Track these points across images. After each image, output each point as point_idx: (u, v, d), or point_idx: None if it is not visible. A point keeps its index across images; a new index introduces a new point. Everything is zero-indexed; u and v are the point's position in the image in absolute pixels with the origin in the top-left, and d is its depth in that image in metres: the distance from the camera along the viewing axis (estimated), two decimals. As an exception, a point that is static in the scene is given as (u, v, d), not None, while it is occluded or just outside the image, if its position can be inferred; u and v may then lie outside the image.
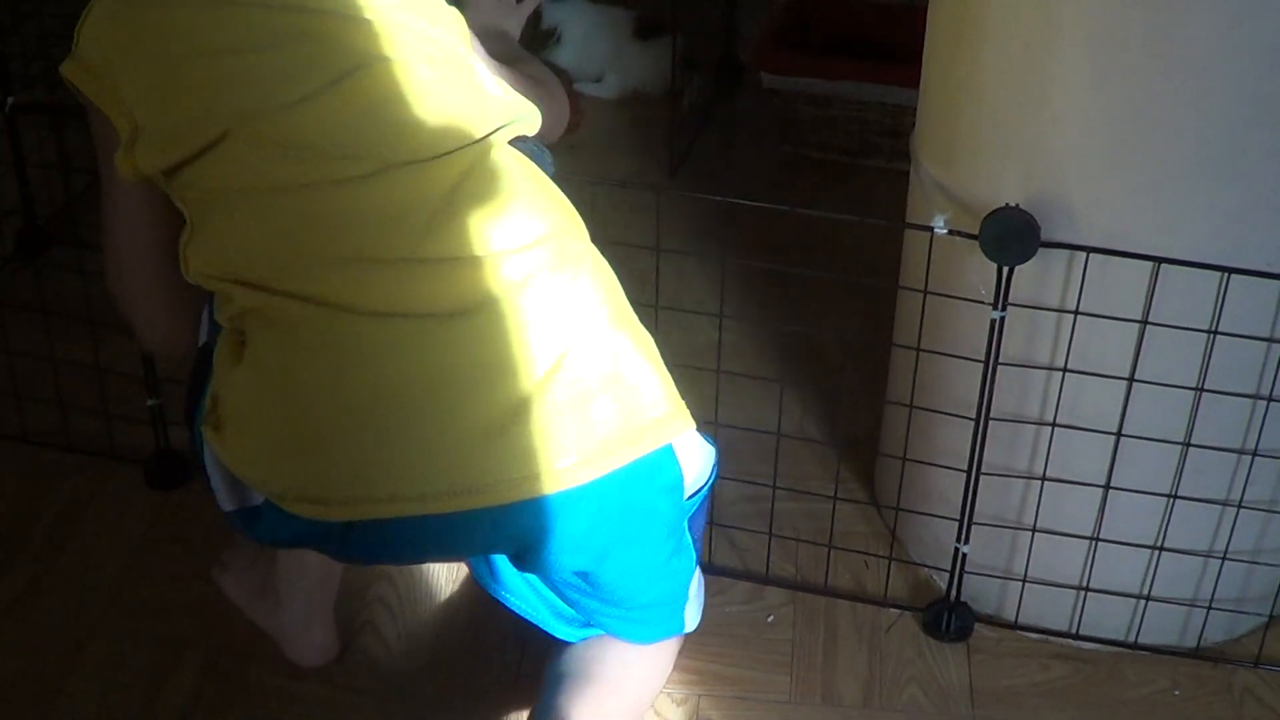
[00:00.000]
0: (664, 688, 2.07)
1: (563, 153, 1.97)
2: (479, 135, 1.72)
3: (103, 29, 1.70)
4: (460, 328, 1.65)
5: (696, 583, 1.98)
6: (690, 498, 1.84)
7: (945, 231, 1.91)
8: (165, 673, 2.10)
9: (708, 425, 2.17)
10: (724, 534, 2.33)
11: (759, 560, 2.28)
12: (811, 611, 2.24)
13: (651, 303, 2.11)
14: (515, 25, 2.21)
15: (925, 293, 1.98)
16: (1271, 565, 2.09)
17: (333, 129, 1.67)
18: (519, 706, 2.06)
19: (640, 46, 3.63)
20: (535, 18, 3.74)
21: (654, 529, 1.81)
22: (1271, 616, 2.18)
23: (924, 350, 2.05)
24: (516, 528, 1.69)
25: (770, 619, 2.22)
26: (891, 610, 2.23)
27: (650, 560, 1.85)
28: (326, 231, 1.66)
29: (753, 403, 2.43)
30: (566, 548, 1.73)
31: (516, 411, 1.64)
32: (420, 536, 1.70)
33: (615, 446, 1.69)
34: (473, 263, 1.66)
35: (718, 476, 1.91)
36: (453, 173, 1.69)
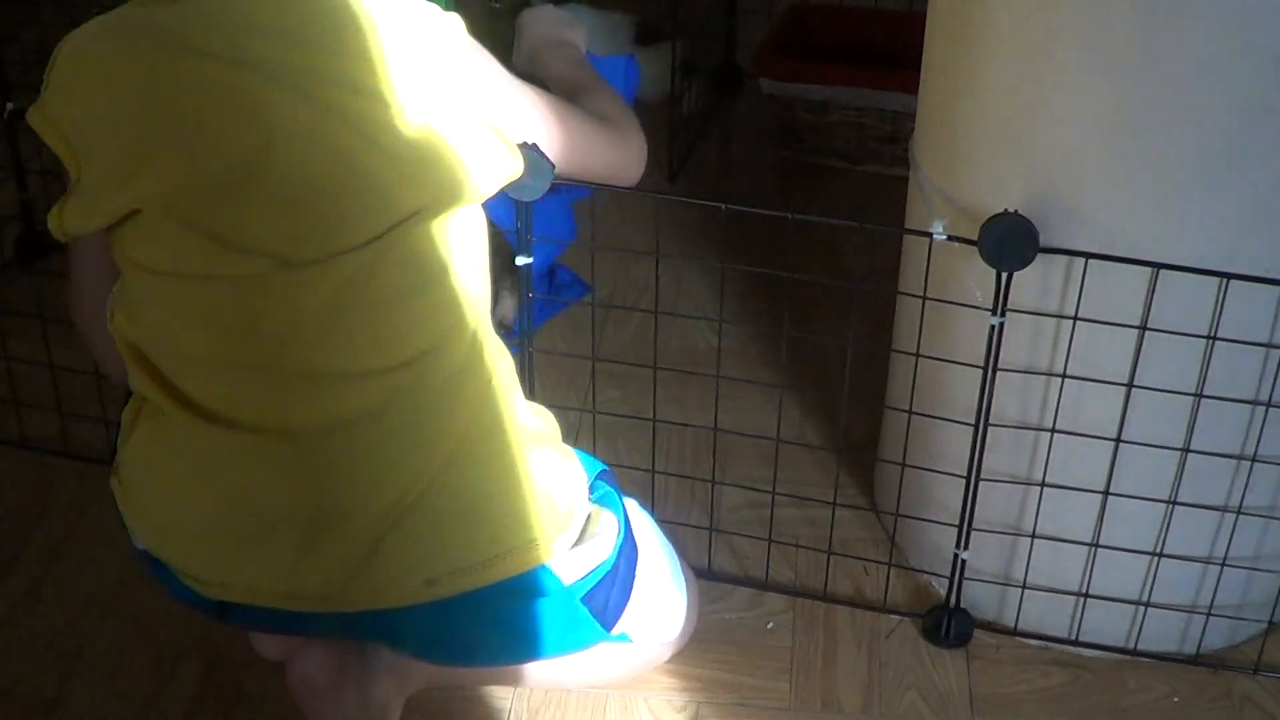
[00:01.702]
0: (663, 694, 2.07)
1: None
2: (381, 229, 1.63)
3: (62, 72, 1.63)
4: (323, 449, 1.67)
5: (635, 618, 1.93)
6: (583, 578, 1.82)
7: (944, 237, 1.91)
8: (163, 681, 2.10)
9: (706, 432, 2.17)
10: (724, 540, 2.32)
11: (758, 566, 2.28)
12: (811, 617, 2.23)
13: (651, 308, 2.11)
14: (581, 37, 2.19)
15: (924, 298, 1.98)
16: (1271, 572, 2.09)
17: (236, 221, 1.61)
18: (520, 707, 2.06)
19: (640, 52, 3.62)
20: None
21: (518, 628, 1.83)
22: (1271, 623, 2.18)
23: (923, 356, 2.04)
24: (368, 631, 1.77)
25: (770, 625, 2.22)
26: (891, 616, 2.23)
27: (525, 647, 1.87)
28: (214, 331, 1.65)
29: (752, 408, 2.43)
30: (423, 649, 1.82)
31: (369, 534, 1.67)
32: (287, 622, 1.77)
33: (460, 576, 1.72)
34: (344, 380, 1.66)
35: (628, 538, 1.89)
36: (335, 280, 1.63)
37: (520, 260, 2.03)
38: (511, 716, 2.06)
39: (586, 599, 1.82)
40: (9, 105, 2.28)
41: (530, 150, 1.84)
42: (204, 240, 1.59)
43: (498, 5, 3.71)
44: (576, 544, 1.81)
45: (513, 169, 1.75)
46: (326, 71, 1.60)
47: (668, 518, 2.35)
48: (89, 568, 2.27)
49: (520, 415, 1.78)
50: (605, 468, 1.96)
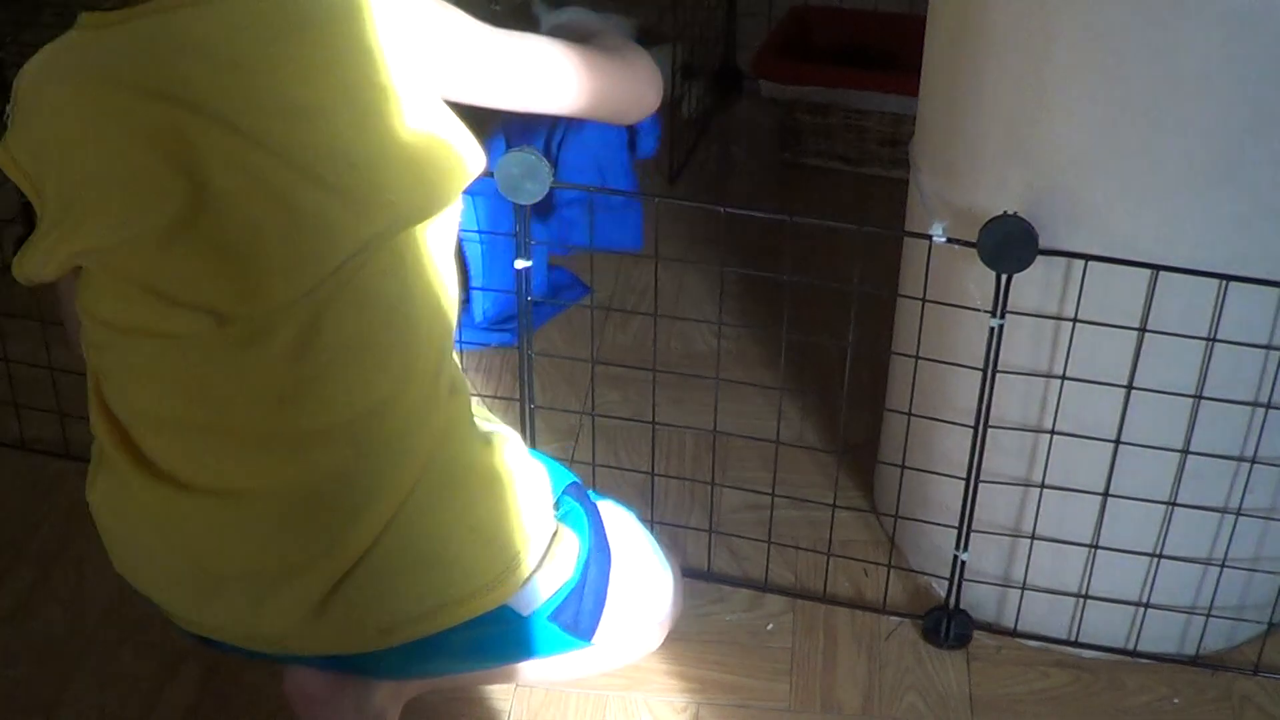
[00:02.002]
0: (663, 695, 2.08)
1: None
2: (326, 271, 1.55)
3: (19, 108, 1.55)
4: (278, 509, 1.64)
5: (617, 618, 1.89)
6: (544, 603, 1.79)
7: (944, 239, 1.91)
8: (163, 683, 2.10)
9: (707, 434, 2.17)
10: (723, 541, 2.32)
11: (758, 568, 2.28)
12: (811, 619, 2.23)
13: (651, 311, 2.11)
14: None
15: (924, 300, 1.98)
16: (1271, 573, 2.09)
17: (173, 275, 1.54)
18: (520, 709, 2.06)
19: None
20: (533, 25, 3.75)
21: (486, 652, 1.82)
22: (1271, 624, 2.18)
23: (923, 358, 2.04)
24: (339, 664, 1.76)
25: (770, 627, 2.22)
26: (891, 618, 2.23)
27: (500, 661, 1.87)
28: (164, 389, 1.61)
29: (752, 410, 2.43)
30: (397, 674, 1.83)
31: (323, 586, 1.64)
32: (262, 654, 1.77)
33: (415, 624, 1.70)
34: (298, 440, 1.61)
35: (595, 548, 1.85)
36: (282, 336, 1.56)
37: (519, 263, 2.03)
38: (511, 718, 2.06)
39: (554, 616, 1.79)
40: (9, 107, 2.28)
41: (526, 154, 1.84)
42: (145, 295, 1.54)
43: (497, 7, 3.71)
44: (536, 569, 1.76)
45: (475, 169, 1.65)
46: (259, 95, 1.51)
47: (668, 519, 2.35)
48: (89, 568, 2.27)
49: (476, 449, 1.73)
50: (574, 480, 1.89)
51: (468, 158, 1.64)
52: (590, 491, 1.92)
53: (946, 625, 2.17)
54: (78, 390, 2.43)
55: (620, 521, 1.94)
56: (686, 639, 2.15)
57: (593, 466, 2.32)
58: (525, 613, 1.76)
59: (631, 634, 1.93)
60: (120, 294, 1.56)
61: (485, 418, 1.84)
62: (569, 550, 1.80)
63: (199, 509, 1.63)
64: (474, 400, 1.80)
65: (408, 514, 1.64)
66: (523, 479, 1.75)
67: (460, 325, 1.84)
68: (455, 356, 1.77)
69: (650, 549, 1.97)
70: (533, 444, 2.21)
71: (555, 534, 1.79)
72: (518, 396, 2.20)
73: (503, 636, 1.77)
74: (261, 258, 1.52)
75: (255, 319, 1.54)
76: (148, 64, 1.49)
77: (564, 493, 1.86)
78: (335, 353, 1.58)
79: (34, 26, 3.42)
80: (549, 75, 1.76)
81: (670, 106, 3.38)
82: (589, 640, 1.84)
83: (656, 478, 2.31)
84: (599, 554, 1.84)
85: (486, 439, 1.75)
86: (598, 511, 1.88)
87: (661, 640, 2.01)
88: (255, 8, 1.53)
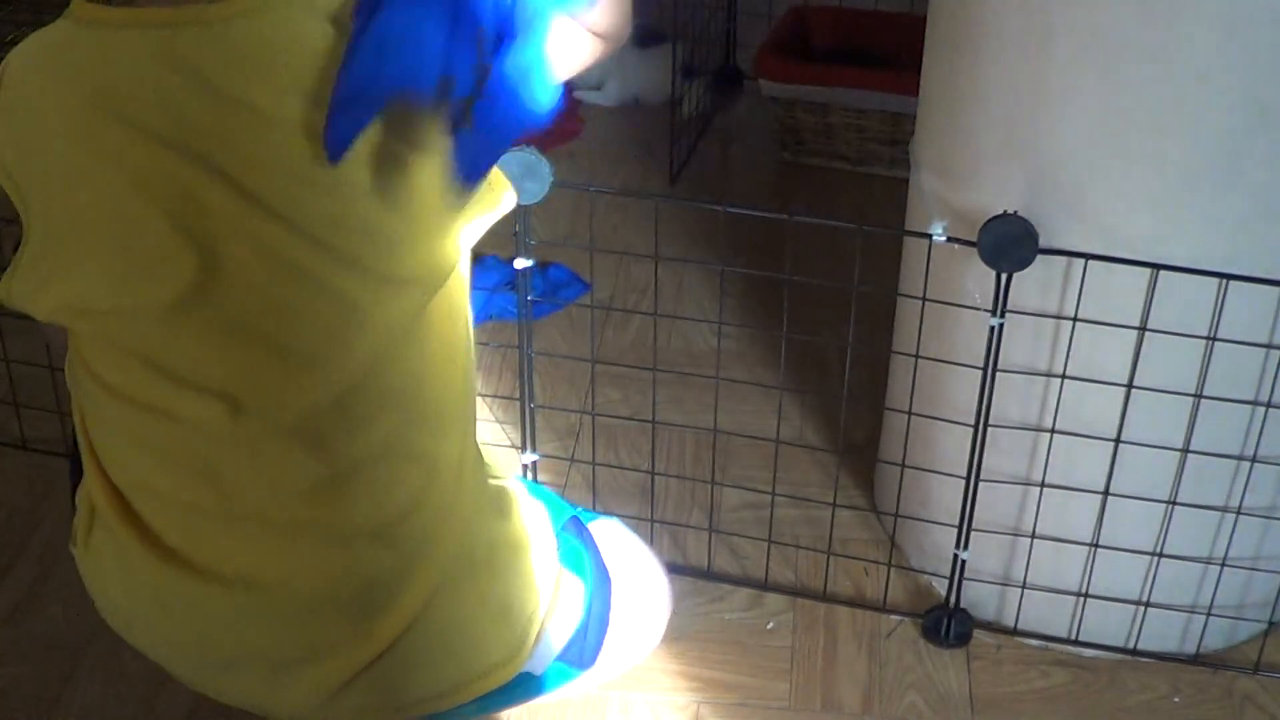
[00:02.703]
0: (664, 694, 2.08)
1: (563, 160, 1.97)
2: (351, 360, 1.42)
3: (2, 101, 1.39)
4: (290, 603, 1.52)
5: (619, 639, 1.82)
6: (555, 657, 1.74)
7: (944, 239, 1.91)
8: (163, 681, 2.09)
9: (707, 433, 2.17)
10: (724, 541, 2.32)
11: (759, 567, 2.28)
12: (811, 618, 2.23)
13: (651, 310, 2.11)
14: None
15: (924, 300, 1.98)
16: (1271, 572, 2.09)
17: (179, 354, 1.39)
18: (520, 709, 2.06)
19: (640, 54, 3.63)
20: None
21: (499, 702, 1.74)
22: (1271, 623, 2.18)
23: (923, 357, 2.05)
24: None
25: (770, 625, 2.22)
26: (891, 617, 2.23)
27: (500, 710, 1.81)
28: (168, 467, 1.46)
29: (752, 409, 2.43)
30: None
31: (339, 676, 1.55)
32: None
33: (431, 702, 1.63)
34: (315, 540, 1.49)
35: (599, 584, 1.79)
36: (305, 434, 1.44)
37: (519, 263, 2.03)
38: (512, 716, 2.06)
39: (561, 657, 1.74)
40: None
41: (527, 154, 1.83)
42: (147, 370, 1.40)
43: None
44: (545, 628, 1.69)
45: (501, 210, 1.54)
46: (271, 149, 1.35)
47: (668, 519, 2.35)
48: (90, 568, 2.28)
49: (494, 524, 1.64)
50: (572, 514, 1.81)
51: (490, 204, 1.51)
52: (582, 511, 1.86)
53: (947, 624, 2.17)
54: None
55: (615, 539, 1.88)
56: (687, 638, 2.15)
57: (593, 465, 2.32)
58: (538, 672, 1.71)
59: (630, 649, 1.93)
60: (118, 363, 1.42)
61: (492, 474, 1.73)
62: (574, 597, 1.74)
63: (209, 594, 1.49)
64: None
65: (435, 605, 1.55)
66: (535, 541, 1.68)
67: None
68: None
69: (646, 561, 1.93)
70: (533, 444, 2.21)
71: (559, 581, 1.72)
72: (518, 396, 2.20)
73: (514, 692, 1.72)
74: (278, 346, 1.39)
75: (272, 411, 1.42)
76: (149, 96, 1.33)
77: (563, 529, 1.78)
78: (363, 449, 1.47)
79: (34, 25, 3.42)
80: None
81: (671, 106, 3.39)
82: (591, 667, 1.80)
83: (656, 477, 2.31)
84: (601, 588, 1.79)
85: (500, 507, 1.67)
86: (594, 541, 1.82)
87: (657, 642, 2.01)
88: (268, 33, 1.36)
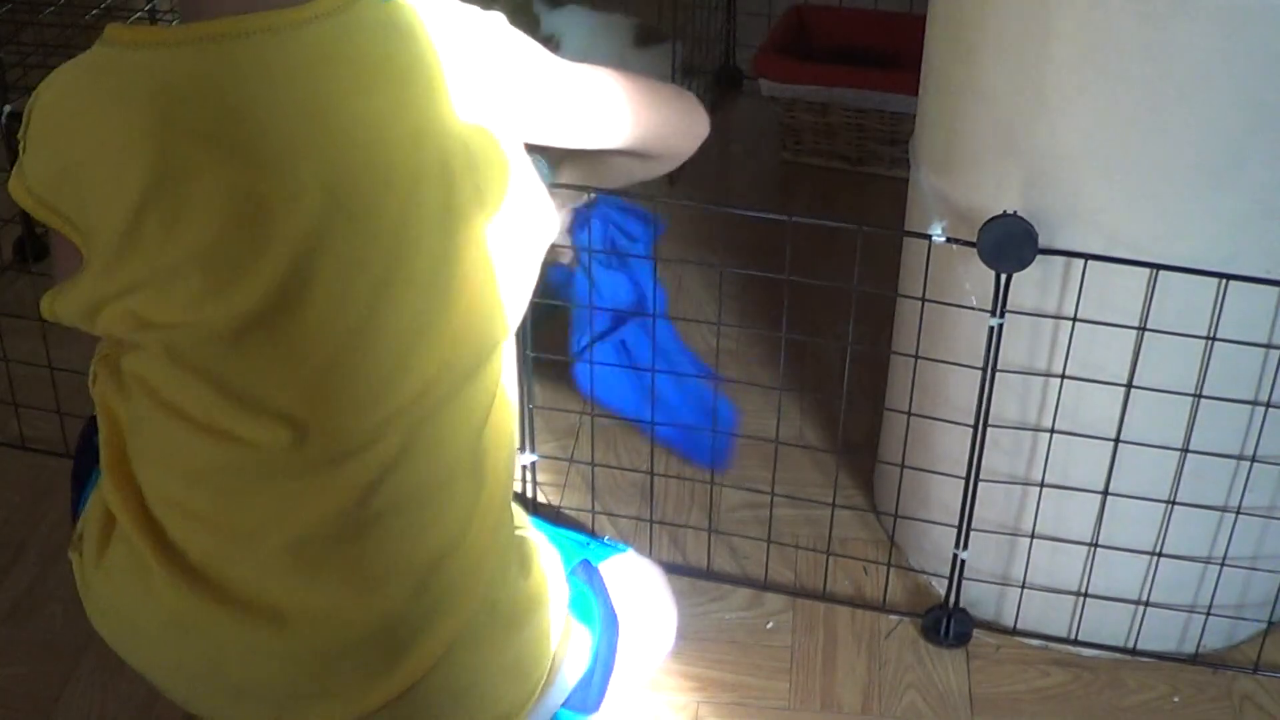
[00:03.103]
0: (663, 694, 2.08)
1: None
2: (425, 380, 1.41)
3: (41, 130, 1.34)
4: (313, 640, 1.49)
5: (625, 677, 1.81)
6: (561, 707, 1.73)
7: (943, 239, 1.91)
8: (164, 680, 2.10)
9: (706, 433, 2.17)
10: (723, 540, 2.32)
11: (758, 566, 2.28)
12: (811, 618, 2.24)
13: (650, 311, 2.11)
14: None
15: (924, 300, 1.98)
16: (1270, 571, 2.09)
17: (250, 374, 1.36)
18: None
19: (640, 54, 3.62)
20: (533, 25, 3.75)
21: None
22: (1270, 623, 2.18)
23: (923, 357, 2.05)
24: None
25: (769, 625, 2.22)
26: (891, 616, 2.23)
27: None
28: (214, 493, 1.44)
29: (752, 410, 2.42)
30: None
31: (359, 714, 1.52)
32: None
33: None
34: (350, 583, 1.47)
35: (606, 630, 1.76)
36: (360, 477, 1.42)
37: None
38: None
39: (566, 703, 1.73)
40: (6, 108, 2.28)
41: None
42: (210, 389, 1.36)
43: (497, 6, 3.67)
44: (553, 677, 1.68)
45: (550, 236, 1.55)
46: (349, 157, 1.32)
47: (667, 519, 2.35)
48: (89, 568, 2.28)
49: (518, 581, 1.62)
50: (582, 558, 1.78)
51: (540, 229, 1.53)
52: (594, 547, 1.83)
53: (946, 624, 2.17)
54: (78, 390, 2.44)
55: (625, 577, 1.84)
56: (686, 637, 2.15)
57: (591, 466, 2.32)
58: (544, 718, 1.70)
59: (633, 684, 1.90)
60: (179, 379, 1.38)
61: (517, 524, 1.71)
62: (582, 646, 1.72)
63: (230, 622, 1.47)
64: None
65: (452, 656, 1.53)
66: (553, 596, 1.66)
67: None
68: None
69: (655, 598, 1.90)
70: (532, 445, 2.21)
71: (568, 631, 1.70)
72: (518, 397, 2.19)
73: None
74: (351, 366, 1.37)
75: (334, 438, 1.40)
76: (223, 108, 1.29)
77: (572, 573, 1.76)
78: (411, 490, 1.46)
79: (33, 26, 3.42)
80: (614, 107, 1.67)
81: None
82: (595, 711, 1.77)
83: (656, 477, 2.31)
84: (608, 634, 1.76)
85: (523, 561, 1.64)
86: (604, 586, 1.78)
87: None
88: (336, 44, 1.33)
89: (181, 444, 1.41)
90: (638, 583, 1.86)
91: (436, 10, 1.42)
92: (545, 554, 1.69)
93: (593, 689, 1.74)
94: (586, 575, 1.78)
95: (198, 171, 1.28)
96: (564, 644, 1.68)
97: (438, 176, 1.36)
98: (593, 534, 2.14)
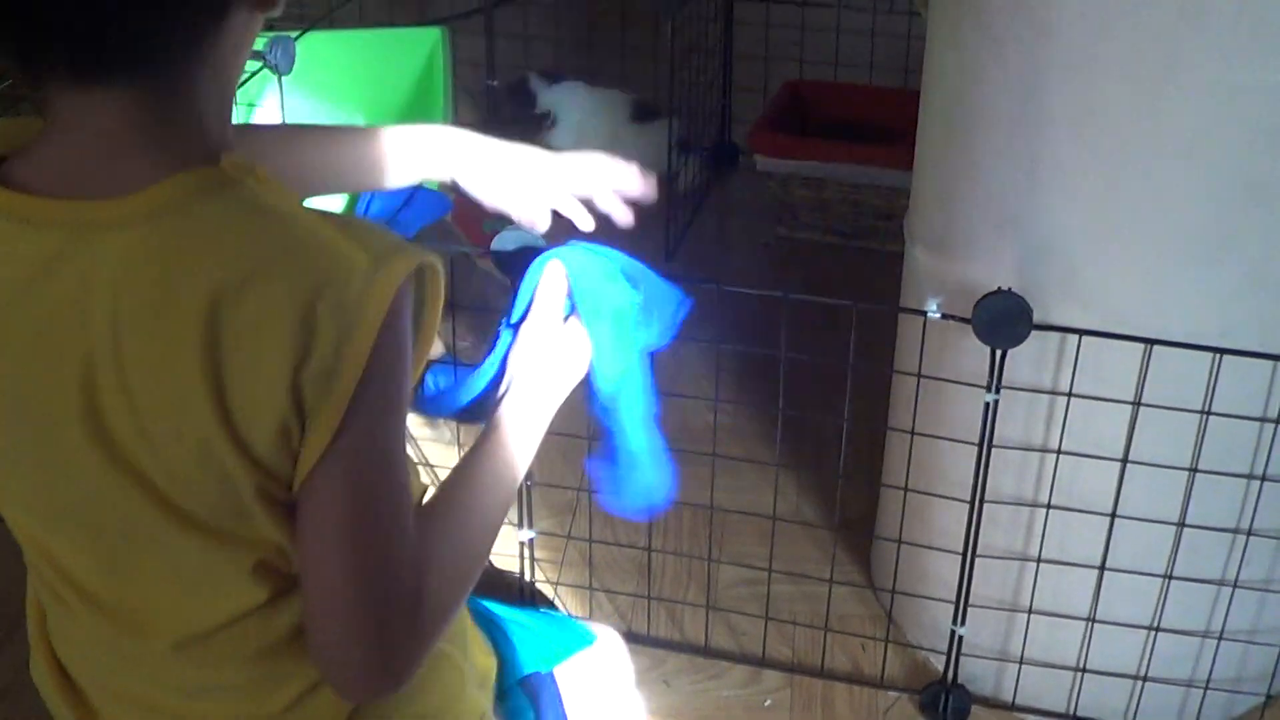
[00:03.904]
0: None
1: (559, 239, 1.97)
2: None
3: None
4: None
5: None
6: None
7: (939, 315, 1.92)
8: None
9: (704, 510, 2.17)
10: (721, 617, 2.32)
11: (756, 643, 2.28)
12: (809, 694, 2.23)
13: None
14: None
15: (919, 376, 1.99)
16: (1268, 645, 2.09)
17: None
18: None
19: (637, 130, 3.66)
20: (530, 100, 3.77)
21: None
22: (1269, 696, 2.17)
23: (919, 434, 2.05)
24: None
25: (767, 702, 2.22)
26: (889, 693, 2.23)
27: None
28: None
29: (749, 486, 2.43)
30: None
31: None
32: None
33: None
34: None
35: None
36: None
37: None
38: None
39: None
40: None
41: (522, 231, 1.82)
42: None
43: (495, 83, 3.72)
44: None
45: None
46: (141, 394, 1.12)
47: (665, 595, 2.35)
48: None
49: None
50: (533, 672, 1.69)
51: None
52: (558, 640, 1.75)
53: (945, 700, 2.17)
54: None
55: (588, 677, 1.74)
56: (683, 715, 2.14)
57: (589, 542, 2.32)
58: None
59: None
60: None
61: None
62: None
63: None
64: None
65: None
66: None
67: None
68: None
69: (618, 697, 1.79)
70: (529, 521, 2.21)
71: None
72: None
73: None
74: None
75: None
76: (43, 308, 1.13)
77: (517, 685, 1.68)
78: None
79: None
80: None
81: (666, 182, 3.40)
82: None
83: (653, 553, 2.31)
84: None
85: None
86: (555, 696, 1.70)
87: None
88: (175, 241, 1.10)
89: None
90: (599, 682, 1.77)
91: None
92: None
93: None
94: (535, 688, 1.70)
95: (35, 335, 1.15)
96: None
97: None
98: (568, 613, 2.12)
